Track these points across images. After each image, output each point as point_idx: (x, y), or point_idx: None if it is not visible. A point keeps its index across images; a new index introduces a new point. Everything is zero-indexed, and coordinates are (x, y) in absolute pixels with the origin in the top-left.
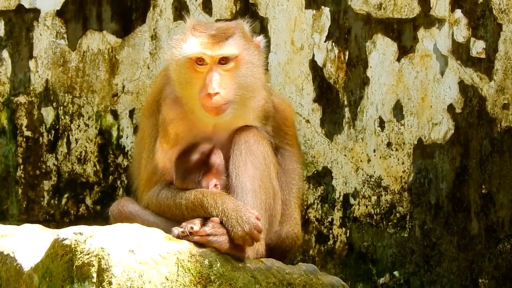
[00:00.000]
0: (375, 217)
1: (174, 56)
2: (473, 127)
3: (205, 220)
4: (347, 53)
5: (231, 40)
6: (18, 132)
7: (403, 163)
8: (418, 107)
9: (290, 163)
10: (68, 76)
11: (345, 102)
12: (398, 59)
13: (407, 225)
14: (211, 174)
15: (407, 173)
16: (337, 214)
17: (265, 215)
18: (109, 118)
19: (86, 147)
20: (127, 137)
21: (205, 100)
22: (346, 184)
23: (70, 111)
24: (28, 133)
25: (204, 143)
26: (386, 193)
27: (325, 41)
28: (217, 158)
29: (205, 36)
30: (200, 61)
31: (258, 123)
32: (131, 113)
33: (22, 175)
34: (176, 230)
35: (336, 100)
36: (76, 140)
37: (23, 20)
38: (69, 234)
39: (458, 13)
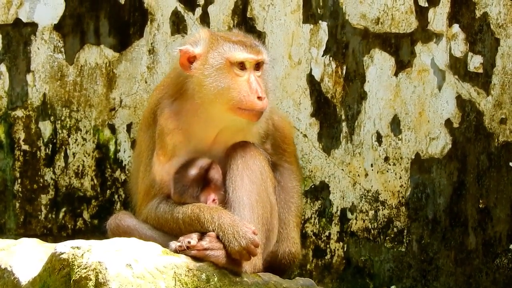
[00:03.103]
0: (372, 231)
1: (211, 60)
2: (471, 141)
3: (202, 234)
4: (344, 67)
5: (262, 46)
6: (15, 146)
7: (400, 178)
8: (415, 122)
9: (289, 181)
10: (66, 90)
11: (343, 117)
12: (396, 74)
13: (404, 240)
14: (209, 189)
15: (404, 187)
16: (335, 229)
17: (262, 229)
18: (107, 132)
19: (83, 161)
20: (124, 151)
21: (254, 103)
22: (343, 198)
23: (68, 125)
24: (25, 147)
25: (203, 157)
26: (383, 207)
27: (322, 56)
28: (216, 173)
29: (243, 41)
30: (241, 65)
31: (257, 140)
32: (129, 127)
33: (20, 189)
34: (174, 244)
35: (334, 114)
36: (74, 154)
37: (20, 34)
38: (66, 248)
39: (456, 27)
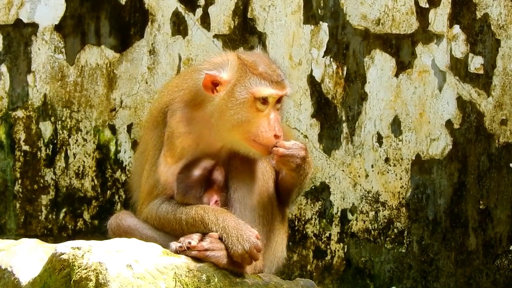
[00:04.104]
0: (372, 232)
1: (237, 93)
2: (471, 142)
3: (203, 235)
4: (345, 68)
5: (286, 78)
6: (16, 146)
7: (401, 179)
8: (416, 123)
9: None
10: (66, 91)
11: (343, 118)
12: (396, 75)
13: (404, 241)
14: (212, 191)
15: (405, 188)
16: (335, 230)
17: (263, 230)
18: (107, 133)
19: (84, 162)
20: (125, 152)
21: (270, 141)
22: (344, 199)
23: (68, 125)
24: (26, 148)
25: (207, 159)
26: (384, 208)
27: (323, 57)
28: (219, 175)
29: (269, 74)
30: (264, 99)
31: None
32: (129, 128)
33: (20, 190)
34: (174, 245)
35: (334, 115)
36: (74, 154)
37: (21, 35)
38: (66, 248)
39: (456, 28)
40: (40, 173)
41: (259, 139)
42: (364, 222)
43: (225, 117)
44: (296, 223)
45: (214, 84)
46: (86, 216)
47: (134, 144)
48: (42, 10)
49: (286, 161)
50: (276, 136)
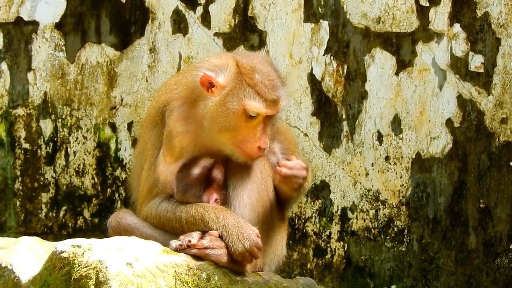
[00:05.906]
0: (373, 231)
1: (229, 103)
2: (471, 141)
3: (203, 233)
4: (345, 66)
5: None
6: (16, 144)
7: (401, 177)
8: (416, 121)
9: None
10: (67, 89)
11: (343, 116)
12: (397, 73)
13: (405, 239)
14: (212, 189)
15: (405, 187)
16: (335, 228)
17: (262, 228)
18: (108, 131)
19: (84, 160)
20: (125, 150)
21: (254, 152)
22: (344, 197)
23: (69, 123)
24: (26, 146)
25: (206, 157)
26: (384, 207)
27: (323, 55)
28: (219, 173)
29: (264, 92)
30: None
31: None
32: (130, 126)
33: (20, 187)
34: (174, 243)
35: (335, 113)
36: (75, 152)
37: (21, 33)
38: (67, 246)
39: (457, 27)
40: (40, 171)
41: (244, 147)
42: (364, 221)
43: (215, 122)
44: (296, 221)
45: (211, 84)
46: (86, 214)
47: (135, 142)
48: (43, 8)
49: (289, 181)
50: (260, 148)
